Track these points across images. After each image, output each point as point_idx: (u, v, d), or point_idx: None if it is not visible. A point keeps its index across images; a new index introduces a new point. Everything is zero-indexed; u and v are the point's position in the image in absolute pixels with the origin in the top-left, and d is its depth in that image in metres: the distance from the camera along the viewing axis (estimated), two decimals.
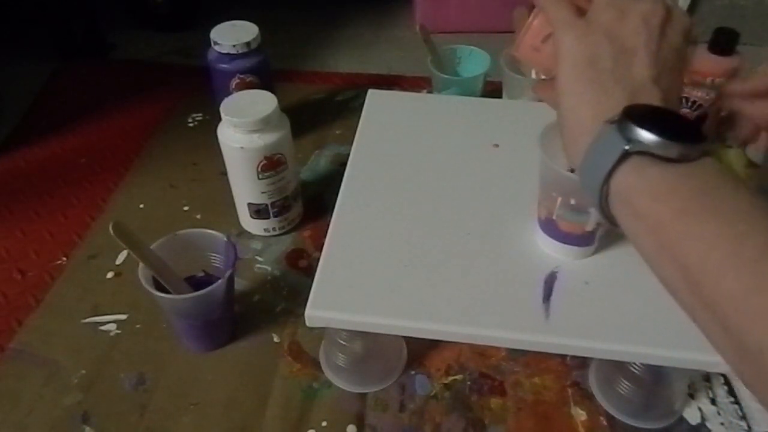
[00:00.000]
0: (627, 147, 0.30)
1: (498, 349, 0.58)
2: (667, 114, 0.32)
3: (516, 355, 0.58)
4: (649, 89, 0.34)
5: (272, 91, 0.63)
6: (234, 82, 0.76)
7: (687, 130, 0.31)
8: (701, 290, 0.28)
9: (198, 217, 0.72)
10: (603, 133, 0.32)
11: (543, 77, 0.44)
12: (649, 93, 0.34)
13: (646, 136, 0.30)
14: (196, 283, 0.55)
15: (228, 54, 0.74)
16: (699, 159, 0.30)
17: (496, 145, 0.63)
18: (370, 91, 0.70)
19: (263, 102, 0.61)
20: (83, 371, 0.57)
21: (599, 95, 0.34)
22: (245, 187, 0.64)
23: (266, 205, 0.66)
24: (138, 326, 0.61)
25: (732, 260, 0.27)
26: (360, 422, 0.53)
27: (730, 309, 0.27)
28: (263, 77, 0.77)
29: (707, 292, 0.28)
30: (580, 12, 0.36)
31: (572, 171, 0.43)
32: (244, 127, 0.60)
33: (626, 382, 0.52)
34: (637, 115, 0.31)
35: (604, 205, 0.33)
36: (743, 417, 0.54)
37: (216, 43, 0.74)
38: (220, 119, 0.61)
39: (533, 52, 0.41)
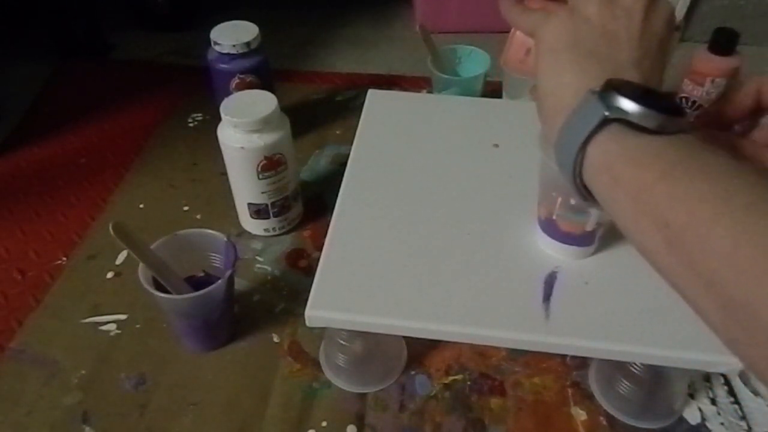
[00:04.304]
0: (607, 113, 0.31)
1: (498, 349, 0.58)
2: (648, 90, 0.33)
3: (516, 355, 0.58)
4: (630, 72, 0.34)
5: (272, 91, 0.63)
6: (234, 82, 0.76)
7: (667, 104, 0.32)
8: (685, 250, 0.28)
9: (198, 217, 0.72)
10: (584, 102, 0.32)
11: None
12: (630, 75, 0.34)
13: (627, 104, 0.30)
14: (196, 283, 0.55)
15: (228, 54, 0.74)
16: (677, 133, 0.31)
17: (496, 145, 0.63)
18: (370, 91, 0.70)
19: (263, 102, 0.61)
20: (83, 371, 0.57)
21: (579, 75, 0.34)
22: (245, 187, 0.64)
23: (266, 205, 0.66)
24: (138, 326, 0.61)
25: (720, 215, 0.27)
26: (360, 422, 0.53)
27: (718, 263, 0.27)
28: (263, 77, 0.77)
29: (692, 250, 0.28)
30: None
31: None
32: (244, 127, 0.60)
33: (626, 382, 0.52)
34: (619, 85, 0.32)
35: (578, 176, 0.33)
36: (743, 417, 0.54)
37: (216, 43, 0.74)
38: (220, 119, 0.61)
39: (519, 64, 0.42)
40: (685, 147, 0.30)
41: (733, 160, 0.29)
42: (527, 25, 0.38)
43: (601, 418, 0.54)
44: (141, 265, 0.52)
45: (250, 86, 0.75)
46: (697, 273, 0.28)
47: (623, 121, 0.31)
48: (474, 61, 0.83)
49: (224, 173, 0.66)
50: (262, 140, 0.60)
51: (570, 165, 0.33)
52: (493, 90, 0.83)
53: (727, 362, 0.44)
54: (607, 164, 0.31)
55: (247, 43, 0.74)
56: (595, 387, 0.55)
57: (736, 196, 0.27)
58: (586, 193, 0.34)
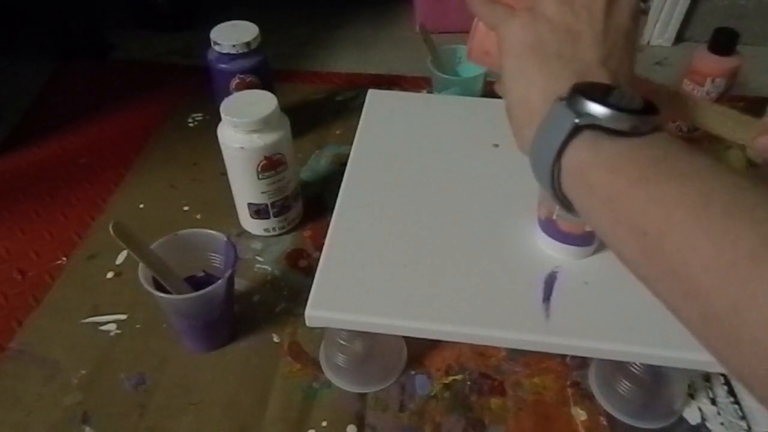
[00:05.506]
0: (577, 120, 0.29)
1: (498, 349, 0.58)
2: (618, 90, 0.31)
3: (516, 355, 0.58)
4: (597, 70, 0.33)
5: (272, 91, 0.63)
6: (234, 82, 0.76)
7: (638, 103, 0.30)
8: (663, 257, 0.26)
9: (198, 217, 0.72)
10: (552, 110, 0.31)
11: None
12: (598, 74, 0.33)
13: (596, 108, 0.29)
14: (196, 283, 0.55)
15: (228, 54, 0.74)
16: (651, 132, 0.30)
17: (496, 145, 0.63)
18: (370, 91, 0.70)
19: (263, 102, 0.61)
20: (83, 371, 0.57)
21: (547, 79, 0.33)
22: (245, 187, 0.64)
23: (266, 205, 0.66)
24: (138, 326, 0.61)
25: (699, 218, 0.25)
26: (360, 422, 0.53)
27: (698, 270, 0.25)
28: (263, 77, 0.77)
29: (670, 257, 0.26)
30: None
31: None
32: (244, 127, 0.60)
33: (626, 382, 0.52)
34: (587, 90, 0.30)
35: (557, 187, 0.32)
36: (743, 417, 0.54)
37: (216, 43, 0.74)
38: (220, 119, 0.61)
39: (484, 56, 0.41)
40: (659, 148, 0.29)
41: (708, 159, 0.28)
42: (490, 19, 0.37)
43: (601, 418, 0.54)
44: (141, 265, 0.52)
45: (250, 86, 0.75)
46: (677, 281, 0.26)
47: (595, 126, 0.29)
48: None
49: (224, 173, 0.66)
50: (262, 140, 0.60)
51: (547, 178, 0.32)
52: (493, 90, 0.83)
53: None
54: (581, 172, 0.30)
55: (247, 43, 0.74)
56: (595, 387, 0.55)
57: (714, 197, 0.26)
58: (568, 204, 0.32)
